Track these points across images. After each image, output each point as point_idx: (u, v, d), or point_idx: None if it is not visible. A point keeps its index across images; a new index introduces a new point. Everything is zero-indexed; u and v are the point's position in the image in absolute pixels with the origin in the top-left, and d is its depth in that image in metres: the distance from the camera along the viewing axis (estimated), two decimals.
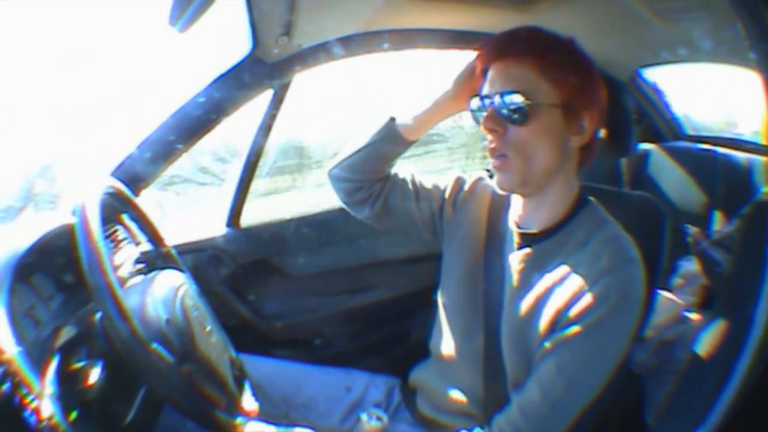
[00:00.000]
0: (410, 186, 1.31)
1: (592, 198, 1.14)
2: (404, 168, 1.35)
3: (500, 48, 1.06)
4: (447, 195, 1.30)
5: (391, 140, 1.27)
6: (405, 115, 1.27)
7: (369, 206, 1.32)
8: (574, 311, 0.99)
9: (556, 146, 1.05)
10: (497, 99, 1.02)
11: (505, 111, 1.02)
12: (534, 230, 1.12)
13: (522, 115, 1.01)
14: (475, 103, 1.09)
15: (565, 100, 1.03)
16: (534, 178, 1.06)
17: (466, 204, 1.28)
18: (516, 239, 1.15)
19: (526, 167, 1.04)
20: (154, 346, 0.92)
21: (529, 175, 1.05)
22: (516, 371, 1.09)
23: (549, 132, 1.03)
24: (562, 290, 1.03)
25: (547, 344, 1.01)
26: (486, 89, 1.06)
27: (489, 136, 1.05)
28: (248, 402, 1.14)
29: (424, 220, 1.31)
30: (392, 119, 1.28)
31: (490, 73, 1.07)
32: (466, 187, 1.30)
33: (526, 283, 1.10)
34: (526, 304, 1.08)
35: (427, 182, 1.33)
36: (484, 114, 1.04)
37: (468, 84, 1.18)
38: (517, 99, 1.00)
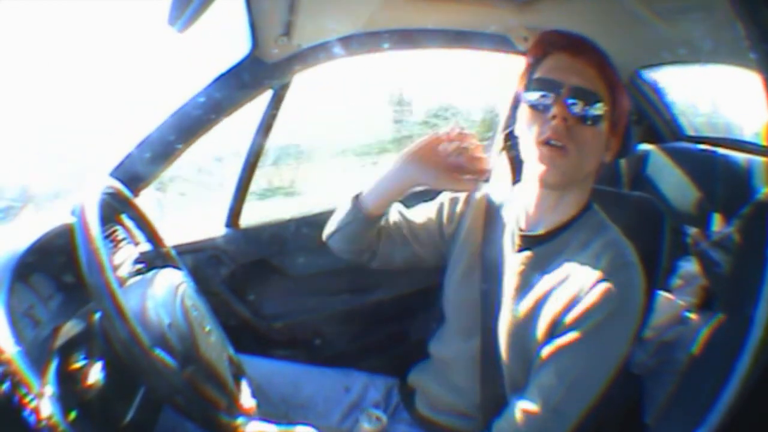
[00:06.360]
0: (404, 230, 1.31)
1: (594, 203, 1.15)
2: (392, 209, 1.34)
3: (575, 43, 1.07)
4: (444, 217, 1.31)
5: (360, 221, 1.25)
6: (367, 190, 1.23)
7: (369, 262, 1.34)
8: (573, 315, 1.00)
9: (598, 155, 1.08)
10: (571, 91, 1.02)
11: (580, 107, 1.02)
12: (539, 232, 1.12)
13: (595, 117, 1.03)
14: (537, 84, 1.07)
15: (614, 116, 1.06)
16: (577, 178, 1.08)
17: (463, 215, 1.30)
18: (517, 241, 1.15)
19: (579, 166, 1.05)
20: (157, 351, 0.92)
21: (577, 174, 1.06)
22: (513, 373, 1.09)
23: (600, 140, 1.06)
24: (561, 293, 1.03)
25: (547, 349, 1.02)
26: (553, 75, 1.06)
27: (551, 123, 1.02)
28: (247, 400, 1.14)
29: (429, 253, 1.32)
30: (356, 197, 1.24)
31: (557, 61, 1.07)
32: (461, 199, 1.31)
33: (526, 286, 1.10)
34: (525, 306, 1.08)
35: (419, 216, 1.33)
36: (556, 100, 1.03)
37: (424, 157, 1.16)
38: (597, 100, 1.03)
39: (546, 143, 1.03)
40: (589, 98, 1.02)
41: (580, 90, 1.02)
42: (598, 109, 1.02)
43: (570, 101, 1.02)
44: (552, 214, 1.12)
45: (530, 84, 1.08)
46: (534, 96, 1.06)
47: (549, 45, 1.09)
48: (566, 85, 1.02)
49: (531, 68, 1.10)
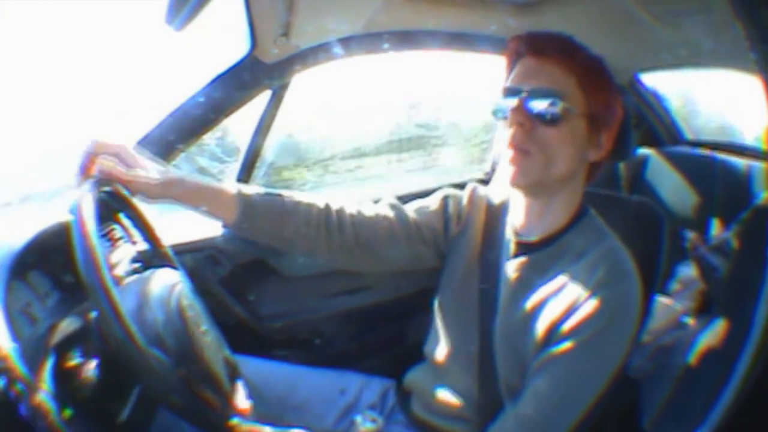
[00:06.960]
0: (407, 227, 1.27)
1: (591, 208, 1.14)
2: (392, 203, 1.31)
3: (539, 44, 1.05)
4: (452, 214, 1.28)
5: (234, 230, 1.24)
6: None
7: (350, 261, 1.28)
8: (569, 325, 0.99)
9: (576, 155, 1.06)
10: (529, 94, 1.02)
11: (536, 107, 1.01)
12: (533, 239, 1.12)
13: (554, 116, 1.01)
14: (503, 93, 1.07)
15: (593, 112, 1.04)
16: (548, 181, 1.06)
17: (469, 215, 1.28)
18: (513, 247, 1.15)
19: (546, 168, 1.03)
20: (152, 350, 0.92)
21: (546, 176, 1.04)
22: (509, 376, 1.09)
23: (573, 139, 1.04)
24: (558, 302, 1.03)
25: (542, 357, 1.01)
26: (515, 82, 1.05)
27: (511, 130, 1.03)
28: (242, 401, 1.13)
29: (430, 253, 1.29)
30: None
31: (522, 67, 1.06)
32: (465, 198, 1.30)
33: (522, 292, 1.10)
34: (521, 312, 1.08)
35: (419, 213, 1.29)
36: (513, 106, 1.02)
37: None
38: (553, 99, 1.00)
39: (512, 148, 1.04)
40: (550, 97, 1.01)
41: (539, 91, 1.01)
42: (560, 107, 1.00)
43: (529, 104, 1.02)
44: (542, 221, 1.11)
45: (500, 93, 1.08)
46: (500, 104, 1.07)
47: (515, 53, 1.09)
48: (524, 89, 1.02)
49: (505, 78, 1.10)
